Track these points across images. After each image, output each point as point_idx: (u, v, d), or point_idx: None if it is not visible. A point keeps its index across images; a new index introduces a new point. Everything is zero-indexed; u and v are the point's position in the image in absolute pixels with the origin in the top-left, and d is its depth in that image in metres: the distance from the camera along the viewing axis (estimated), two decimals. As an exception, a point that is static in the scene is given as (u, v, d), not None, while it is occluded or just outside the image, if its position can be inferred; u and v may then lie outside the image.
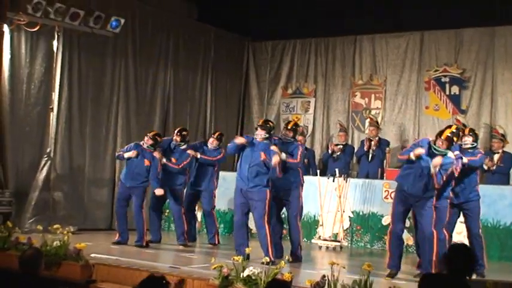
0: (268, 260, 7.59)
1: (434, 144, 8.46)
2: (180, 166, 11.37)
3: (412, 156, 8.48)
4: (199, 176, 11.85)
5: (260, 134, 9.69)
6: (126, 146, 11.60)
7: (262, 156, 9.52)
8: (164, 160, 11.29)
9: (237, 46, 16.59)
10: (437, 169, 8.29)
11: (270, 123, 10.02)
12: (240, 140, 9.81)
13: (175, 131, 11.76)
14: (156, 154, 11.16)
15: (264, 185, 9.59)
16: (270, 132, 9.75)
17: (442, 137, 8.42)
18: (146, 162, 11.07)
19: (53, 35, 12.52)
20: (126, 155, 11.15)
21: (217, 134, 12.21)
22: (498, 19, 13.25)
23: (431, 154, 8.41)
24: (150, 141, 11.23)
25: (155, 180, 11.10)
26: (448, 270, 5.27)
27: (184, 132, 11.74)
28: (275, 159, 9.35)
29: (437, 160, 8.30)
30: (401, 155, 8.91)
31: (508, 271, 9.06)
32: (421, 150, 8.46)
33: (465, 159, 9.08)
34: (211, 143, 11.96)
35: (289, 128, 10.07)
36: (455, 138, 8.52)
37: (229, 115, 16.27)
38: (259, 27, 15.94)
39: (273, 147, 9.51)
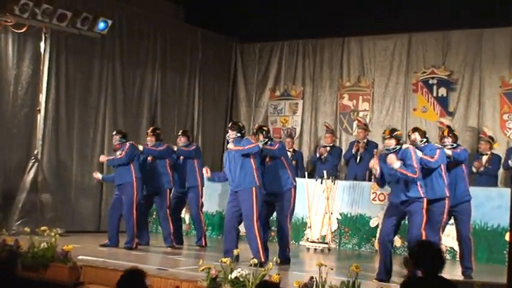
0: (256, 261, 7.57)
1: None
2: (122, 155, 11.15)
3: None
4: (183, 174, 11.82)
5: (231, 135, 9.80)
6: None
7: (239, 148, 9.62)
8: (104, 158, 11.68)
9: (225, 48, 16.57)
10: (396, 165, 8.39)
11: (239, 123, 10.18)
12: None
13: (149, 131, 11.91)
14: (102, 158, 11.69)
15: (248, 185, 9.58)
16: (241, 131, 9.87)
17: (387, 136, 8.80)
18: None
19: (40, 36, 12.49)
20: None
21: (180, 131, 12.30)
22: (486, 21, 13.28)
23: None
24: (153, 139, 11.61)
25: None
26: (418, 268, 5.26)
27: (157, 131, 11.85)
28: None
29: (390, 158, 8.52)
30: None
31: (495, 273, 9.06)
32: (374, 164, 8.92)
33: (448, 151, 9.20)
34: (179, 141, 11.99)
35: (254, 132, 10.29)
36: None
37: (217, 117, 16.25)
38: (247, 29, 15.94)
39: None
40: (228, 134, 9.92)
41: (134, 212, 11.04)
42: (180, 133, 12.20)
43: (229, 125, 10.06)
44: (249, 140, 9.82)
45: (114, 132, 11.64)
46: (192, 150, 11.93)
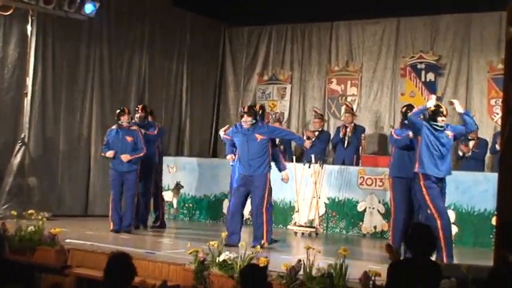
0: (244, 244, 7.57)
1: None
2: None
3: None
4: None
5: (248, 120, 9.81)
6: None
7: (259, 137, 9.74)
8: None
9: (213, 32, 16.49)
10: None
11: (254, 108, 10.25)
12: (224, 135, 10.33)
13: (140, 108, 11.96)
14: None
15: (264, 171, 9.71)
16: (256, 117, 9.88)
17: None
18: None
19: (27, 19, 12.40)
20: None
21: (140, 107, 12.12)
22: (474, 6, 13.27)
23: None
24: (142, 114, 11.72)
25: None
26: (410, 250, 5.30)
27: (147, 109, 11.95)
28: None
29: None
30: None
31: (482, 257, 9.10)
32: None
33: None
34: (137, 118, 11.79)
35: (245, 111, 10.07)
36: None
37: (205, 101, 16.21)
38: (235, 13, 15.85)
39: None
40: (244, 119, 9.88)
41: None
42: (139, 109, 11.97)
43: (245, 110, 10.02)
44: (271, 126, 10.12)
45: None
46: (154, 136, 11.84)
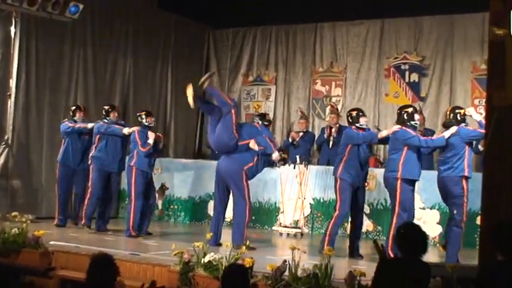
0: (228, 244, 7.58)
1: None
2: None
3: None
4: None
5: None
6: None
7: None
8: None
9: (198, 34, 16.48)
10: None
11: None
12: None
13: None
14: None
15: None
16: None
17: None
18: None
19: (10, 20, 12.34)
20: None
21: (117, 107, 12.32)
22: (457, 7, 13.32)
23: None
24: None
25: None
26: (401, 250, 5.31)
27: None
28: None
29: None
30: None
31: (467, 256, 9.14)
32: None
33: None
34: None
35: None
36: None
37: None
38: (220, 15, 15.85)
39: None
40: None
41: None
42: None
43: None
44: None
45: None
46: None
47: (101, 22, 14.02)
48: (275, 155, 10.11)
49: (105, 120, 11.57)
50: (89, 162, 11.55)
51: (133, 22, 14.72)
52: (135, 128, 11.24)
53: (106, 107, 11.81)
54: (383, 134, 9.82)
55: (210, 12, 15.66)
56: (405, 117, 9.49)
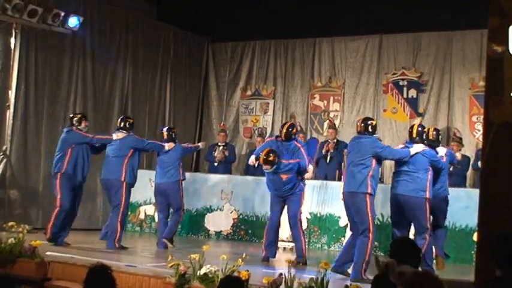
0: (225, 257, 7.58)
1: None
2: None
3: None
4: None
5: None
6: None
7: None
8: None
9: (197, 46, 16.54)
10: None
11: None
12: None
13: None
14: None
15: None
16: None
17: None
18: None
19: (11, 31, 12.41)
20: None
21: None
22: (456, 24, 13.40)
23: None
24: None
25: None
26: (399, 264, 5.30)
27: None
28: None
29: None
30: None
31: (463, 272, 9.14)
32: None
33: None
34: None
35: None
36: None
37: (188, 115, 16.22)
38: (219, 28, 15.93)
39: None
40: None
41: None
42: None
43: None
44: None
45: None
46: None
47: (100, 34, 14.07)
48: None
49: (80, 128, 11.05)
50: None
51: (132, 34, 14.78)
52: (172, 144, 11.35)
53: (78, 115, 11.24)
54: (412, 152, 9.28)
55: (210, 25, 15.74)
56: (423, 137, 9.44)
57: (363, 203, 8.79)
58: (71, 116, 11.36)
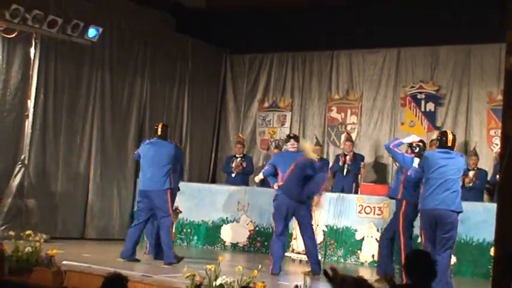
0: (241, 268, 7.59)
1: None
2: None
3: None
4: None
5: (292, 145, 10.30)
6: None
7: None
8: None
9: (215, 58, 16.59)
10: None
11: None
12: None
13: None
14: None
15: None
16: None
17: None
18: None
19: (30, 42, 12.46)
20: None
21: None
22: (474, 38, 13.37)
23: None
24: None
25: None
26: (410, 277, 5.30)
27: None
28: None
29: None
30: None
31: (479, 287, 9.13)
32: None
33: None
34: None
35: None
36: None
37: (205, 127, 16.25)
38: (237, 40, 15.98)
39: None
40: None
41: None
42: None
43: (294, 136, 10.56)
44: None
45: None
46: None
47: (119, 45, 14.14)
48: None
49: None
50: None
51: (151, 45, 14.84)
52: None
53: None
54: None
55: (228, 36, 15.79)
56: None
57: (457, 221, 8.90)
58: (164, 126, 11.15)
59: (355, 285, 4.78)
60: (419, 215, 9.23)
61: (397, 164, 10.01)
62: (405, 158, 9.72)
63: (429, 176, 8.88)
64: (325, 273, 5.28)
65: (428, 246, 8.87)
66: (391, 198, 10.17)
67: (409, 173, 9.54)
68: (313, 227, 10.38)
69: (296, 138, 10.57)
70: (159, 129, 10.80)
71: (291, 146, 10.35)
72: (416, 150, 9.84)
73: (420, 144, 9.94)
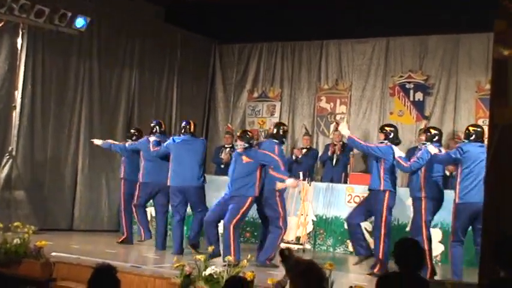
0: (231, 259, 7.58)
1: None
2: None
3: None
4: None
5: (240, 145, 9.88)
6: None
7: (245, 159, 9.78)
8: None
9: (204, 48, 16.53)
10: None
11: (249, 133, 10.28)
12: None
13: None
14: None
15: (246, 193, 9.73)
16: (250, 141, 9.89)
17: None
18: None
19: (17, 32, 12.42)
20: None
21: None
22: (462, 27, 13.36)
23: None
24: None
25: None
26: (398, 265, 5.30)
27: None
28: None
29: None
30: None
31: (467, 274, 9.12)
32: None
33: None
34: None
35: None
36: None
37: (194, 117, 15.94)
38: (226, 30, 15.92)
39: None
40: (236, 143, 10.18)
41: None
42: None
43: (239, 135, 10.17)
44: (265, 154, 9.88)
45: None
46: None
47: (107, 35, 14.08)
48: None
49: None
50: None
51: (139, 36, 14.78)
52: None
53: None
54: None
55: (217, 27, 15.74)
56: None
57: None
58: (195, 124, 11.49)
59: (306, 268, 4.90)
60: (453, 208, 9.26)
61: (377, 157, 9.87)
62: (381, 149, 9.74)
63: (472, 169, 8.88)
64: (281, 253, 5.33)
65: (462, 237, 9.05)
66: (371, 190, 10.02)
67: (407, 165, 9.52)
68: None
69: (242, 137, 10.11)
70: (192, 127, 11.18)
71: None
72: (391, 136, 9.82)
73: (393, 129, 10.03)
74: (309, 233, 12.34)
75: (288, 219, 12.09)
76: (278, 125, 10.59)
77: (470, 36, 13.71)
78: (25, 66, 12.67)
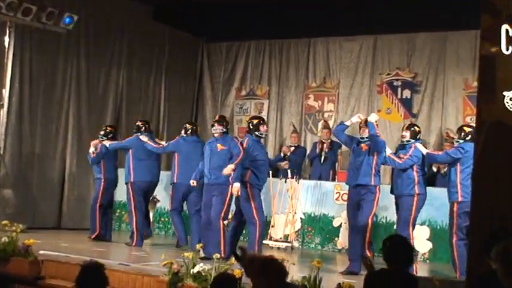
0: (218, 256, 7.58)
1: None
2: None
3: None
4: None
5: (217, 129, 10.00)
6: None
7: (219, 147, 9.85)
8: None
9: (192, 46, 16.53)
10: None
11: (226, 118, 10.55)
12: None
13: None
14: None
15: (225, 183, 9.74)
16: (227, 127, 10.15)
17: None
18: None
19: (5, 30, 12.37)
20: None
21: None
22: (450, 25, 13.40)
23: None
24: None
25: None
26: (387, 262, 5.32)
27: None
28: None
29: None
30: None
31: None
32: None
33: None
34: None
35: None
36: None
37: (182, 115, 16.16)
38: (214, 28, 15.91)
39: None
40: (214, 128, 10.12)
41: None
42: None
43: (216, 119, 10.26)
44: (236, 143, 9.88)
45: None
46: None
47: (95, 33, 14.04)
48: None
49: None
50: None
51: (127, 34, 14.75)
52: None
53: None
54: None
55: (205, 25, 15.71)
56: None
57: None
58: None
59: (263, 266, 4.87)
60: (457, 206, 9.31)
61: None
62: (382, 142, 9.75)
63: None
64: (234, 254, 5.31)
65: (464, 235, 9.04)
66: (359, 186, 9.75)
67: (401, 161, 9.51)
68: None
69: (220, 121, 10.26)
70: (197, 129, 11.70)
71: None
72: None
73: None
74: (297, 231, 12.37)
75: (276, 217, 12.18)
76: (249, 119, 10.55)
77: (458, 34, 13.76)
78: (12, 64, 12.63)
